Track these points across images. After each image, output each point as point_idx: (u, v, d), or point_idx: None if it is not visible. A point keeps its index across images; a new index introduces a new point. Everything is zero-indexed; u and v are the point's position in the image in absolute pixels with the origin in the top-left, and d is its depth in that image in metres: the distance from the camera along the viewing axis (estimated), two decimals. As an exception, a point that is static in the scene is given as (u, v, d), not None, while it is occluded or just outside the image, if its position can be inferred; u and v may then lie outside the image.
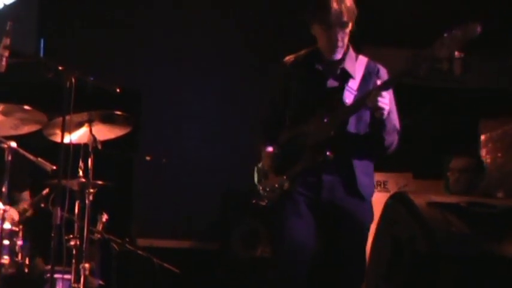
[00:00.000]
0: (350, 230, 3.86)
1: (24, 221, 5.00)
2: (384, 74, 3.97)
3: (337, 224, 3.87)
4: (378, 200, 4.22)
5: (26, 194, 5.37)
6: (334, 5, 3.82)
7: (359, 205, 3.89)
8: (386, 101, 3.72)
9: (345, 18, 3.83)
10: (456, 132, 7.63)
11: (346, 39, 3.91)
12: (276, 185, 3.92)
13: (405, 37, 7.44)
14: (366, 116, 3.89)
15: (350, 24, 3.87)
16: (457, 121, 7.72)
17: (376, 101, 3.69)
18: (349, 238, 3.86)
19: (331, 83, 3.93)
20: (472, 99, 7.73)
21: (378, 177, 7.11)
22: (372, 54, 4.12)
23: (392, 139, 3.89)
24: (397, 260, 4.40)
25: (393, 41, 7.65)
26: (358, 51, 4.04)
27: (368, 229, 4.02)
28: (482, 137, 7.23)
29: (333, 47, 3.90)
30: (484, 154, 7.03)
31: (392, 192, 6.93)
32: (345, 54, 3.95)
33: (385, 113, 3.74)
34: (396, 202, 4.64)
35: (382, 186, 7.23)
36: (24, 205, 5.06)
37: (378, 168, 4.06)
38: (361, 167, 3.90)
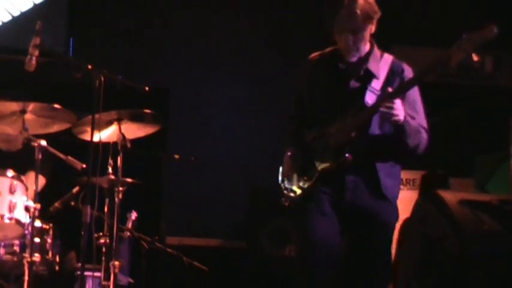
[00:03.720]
0: (375, 230, 3.84)
1: (54, 217, 5.04)
2: (408, 73, 3.92)
3: (362, 224, 3.85)
4: (406, 198, 4.21)
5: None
6: (344, 11, 3.76)
7: (383, 206, 3.86)
8: (398, 108, 3.66)
9: (357, 24, 3.78)
10: (487, 130, 7.55)
11: (361, 43, 3.86)
12: (297, 186, 3.92)
13: (432, 36, 7.38)
14: None
15: (367, 27, 3.82)
16: (488, 119, 7.64)
17: (386, 113, 3.66)
18: (374, 238, 3.84)
19: (354, 83, 3.90)
20: (503, 97, 7.65)
21: (407, 175, 7.06)
22: (398, 53, 4.08)
23: (416, 141, 3.82)
24: (428, 258, 4.36)
25: (420, 39, 7.59)
26: (385, 49, 4.00)
27: (393, 229, 3.99)
28: (512, 134, 7.14)
29: (347, 51, 3.88)
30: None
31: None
32: (368, 53, 3.91)
33: (400, 119, 3.70)
34: (427, 200, 4.60)
35: (411, 184, 7.17)
36: (56, 204, 5.09)
37: (406, 166, 4.01)
38: (385, 170, 3.86)
